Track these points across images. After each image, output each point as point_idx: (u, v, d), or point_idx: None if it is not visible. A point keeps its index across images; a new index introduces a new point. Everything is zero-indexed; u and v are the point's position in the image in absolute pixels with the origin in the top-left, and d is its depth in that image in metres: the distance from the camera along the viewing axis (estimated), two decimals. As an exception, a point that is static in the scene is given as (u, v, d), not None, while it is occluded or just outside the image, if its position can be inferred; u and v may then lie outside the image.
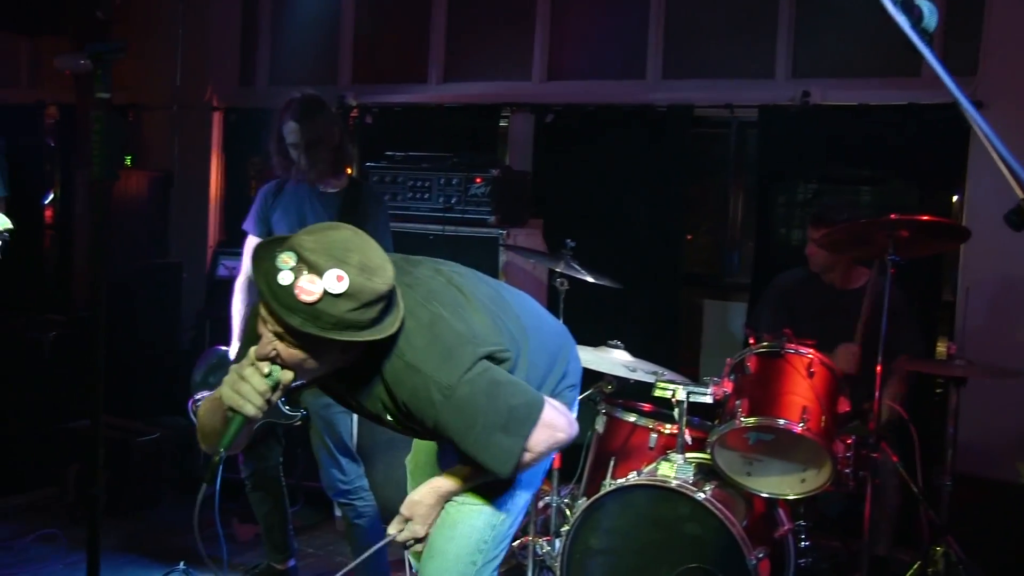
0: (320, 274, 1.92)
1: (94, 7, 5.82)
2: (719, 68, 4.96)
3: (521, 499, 2.38)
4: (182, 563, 3.80)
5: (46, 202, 6.53)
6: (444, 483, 2.30)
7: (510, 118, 5.13)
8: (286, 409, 3.51)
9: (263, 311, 2.00)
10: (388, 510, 3.75)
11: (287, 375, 2.03)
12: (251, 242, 3.69)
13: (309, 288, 1.92)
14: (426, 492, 2.30)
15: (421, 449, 2.75)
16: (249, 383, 2.01)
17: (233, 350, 3.54)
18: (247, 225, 3.71)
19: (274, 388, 2.02)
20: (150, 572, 3.99)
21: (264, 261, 1.98)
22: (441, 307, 2.17)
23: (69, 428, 4.78)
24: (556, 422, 2.21)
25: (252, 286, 3.66)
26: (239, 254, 4.29)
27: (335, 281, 1.93)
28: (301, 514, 4.42)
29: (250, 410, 2.01)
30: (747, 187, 5.01)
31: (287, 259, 1.94)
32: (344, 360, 2.09)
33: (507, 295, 2.44)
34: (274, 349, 1.99)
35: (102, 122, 2.56)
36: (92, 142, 2.44)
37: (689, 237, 5.14)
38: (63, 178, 6.37)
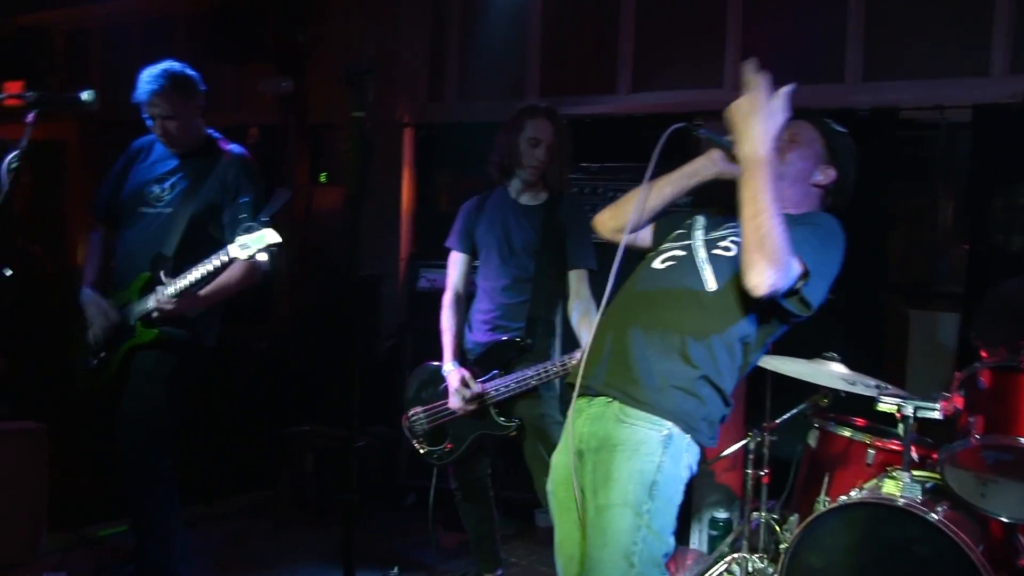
0: None
1: (293, 33, 6.09)
2: (926, 67, 4.74)
3: (663, 491, 2.28)
4: (396, 568, 3.89)
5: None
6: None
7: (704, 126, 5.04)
8: (500, 420, 3.55)
9: None
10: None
11: None
12: (455, 258, 3.77)
13: None
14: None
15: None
16: None
17: (447, 366, 3.61)
18: (451, 242, 3.77)
19: None
20: (363, 577, 4.13)
21: None
22: None
23: (282, 434, 4.99)
24: None
25: (460, 303, 3.74)
26: (437, 266, 4.39)
27: None
28: (502, 524, 4.46)
29: None
30: (958, 191, 4.77)
31: None
32: None
33: None
34: None
35: (357, 140, 2.64)
36: (348, 159, 2.51)
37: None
38: (266, 195, 6.66)
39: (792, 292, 2.25)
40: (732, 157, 2.35)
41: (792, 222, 2.24)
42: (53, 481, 4.09)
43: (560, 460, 2.49)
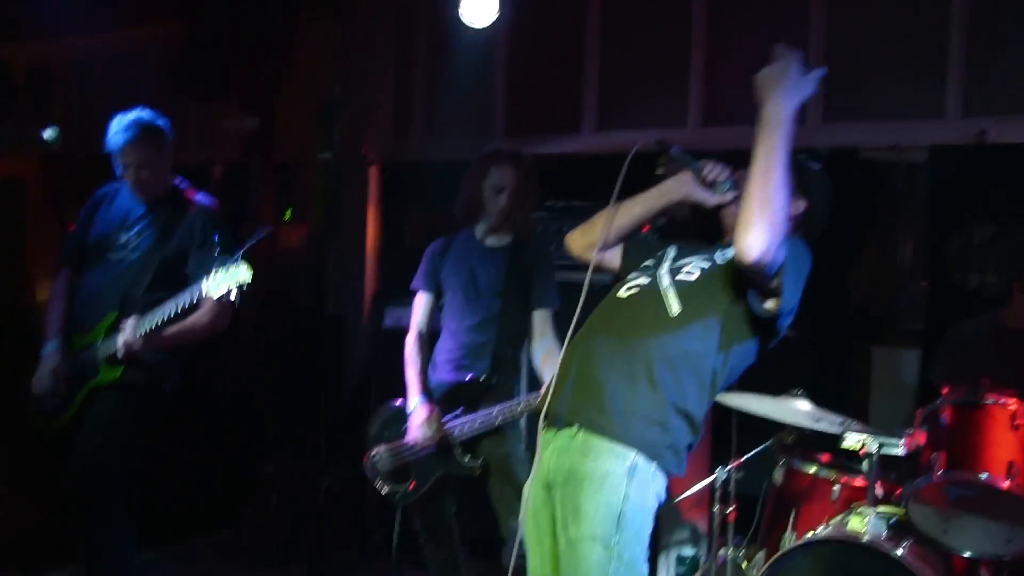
0: None
1: (259, 71, 6.09)
2: (885, 108, 4.83)
3: (632, 522, 2.28)
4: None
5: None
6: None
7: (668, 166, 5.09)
8: (465, 459, 3.53)
9: None
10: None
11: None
12: (420, 299, 3.78)
13: None
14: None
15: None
16: None
17: (412, 401, 3.59)
18: (416, 283, 3.79)
19: None
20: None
21: None
22: None
23: (246, 474, 4.93)
24: None
25: (423, 342, 3.73)
26: (403, 304, 4.38)
27: None
28: (467, 561, 4.42)
29: None
30: (916, 230, 4.85)
31: None
32: None
33: None
34: None
35: (323, 180, 2.65)
36: (314, 199, 2.53)
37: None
38: (232, 233, 6.62)
39: (769, 290, 2.28)
40: (702, 180, 2.44)
41: None
42: (3, 523, 4.00)
43: (529, 492, 2.49)
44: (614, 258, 2.70)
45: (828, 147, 4.76)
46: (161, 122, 3.64)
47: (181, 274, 3.55)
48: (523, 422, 3.59)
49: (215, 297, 3.21)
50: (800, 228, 2.52)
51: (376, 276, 6.14)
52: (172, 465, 4.82)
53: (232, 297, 3.22)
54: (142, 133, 3.54)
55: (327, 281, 6.25)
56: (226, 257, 3.42)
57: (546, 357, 3.51)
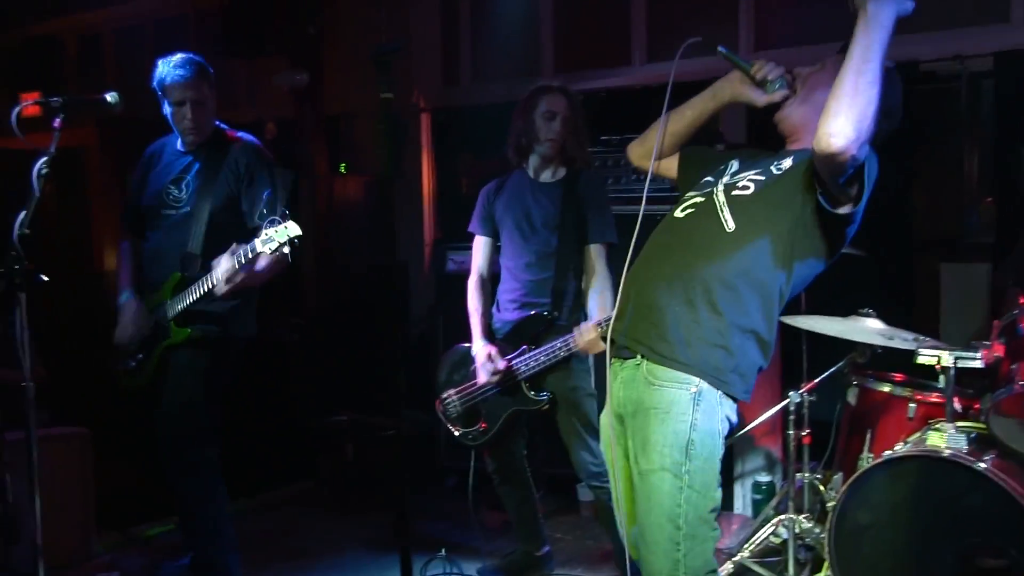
0: None
1: (305, 24, 6.09)
2: (945, 17, 4.68)
3: (701, 449, 2.28)
4: (443, 550, 3.92)
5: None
6: None
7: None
8: (532, 395, 3.57)
9: None
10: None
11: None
12: (478, 242, 3.80)
13: None
14: None
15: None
16: None
17: (476, 347, 3.62)
18: (473, 226, 3.81)
19: None
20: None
21: None
22: None
23: (320, 424, 5.02)
24: None
25: (485, 285, 3.77)
26: (463, 248, 4.40)
27: None
28: (545, 500, 4.48)
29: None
30: (983, 142, 4.73)
31: None
32: None
33: None
34: None
35: (386, 122, 2.65)
36: (376, 142, 2.53)
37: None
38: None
39: (842, 193, 2.20)
40: (751, 80, 2.37)
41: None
42: (99, 484, 4.14)
43: (604, 421, 2.53)
44: (671, 166, 2.66)
45: (889, 62, 4.62)
46: (202, 59, 3.64)
47: (236, 218, 3.57)
48: (591, 356, 3.59)
49: (267, 253, 3.23)
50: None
51: (434, 222, 6.16)
52: (248, 419, 4.93)
53: (285, 251, 3.23)
54: (199, 69, 3.56)
55: (389, 229, 6.30)
56: (275, 204, 3.45)
57: (598, 294, 3.52)
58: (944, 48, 4.53)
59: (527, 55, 5.92)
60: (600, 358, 3.25)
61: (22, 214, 2.79)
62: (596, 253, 3.59)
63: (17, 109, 3.06)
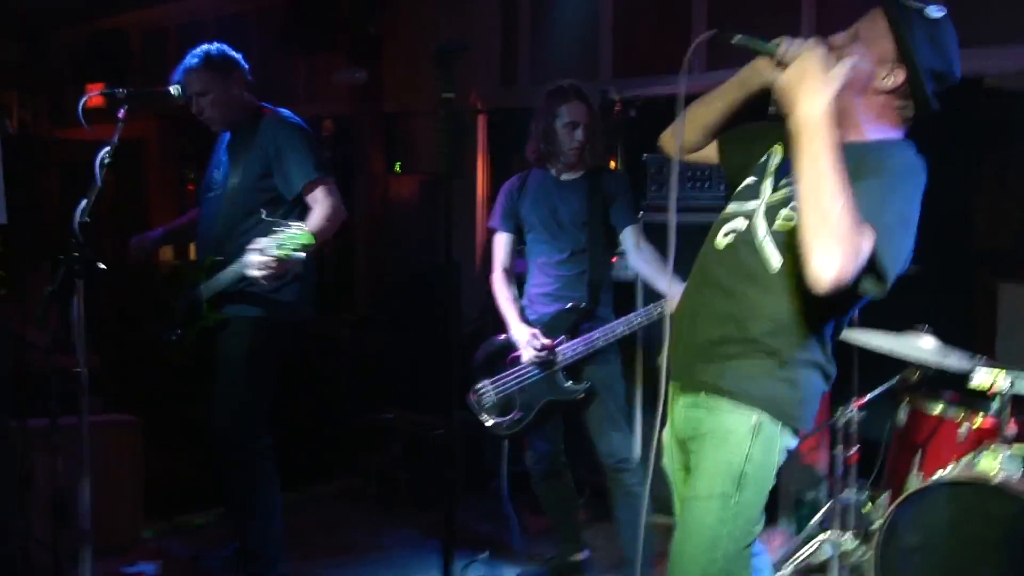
0: None
1: (366, 23, 6.15)
2: (1009, 32, 4.59)
3: (754, 482, 2.22)
4: (486, 552, 3.93)
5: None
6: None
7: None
8: (568, 384, 3.58)
9: None
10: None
11: None
12: (500, 238, 3.84)
13: None
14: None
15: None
16: None
17: (517, 331, 3.65)
18: (495, 223, 3.86)
19: None
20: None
21: None
22: None
23: (369, 421, 5.05)
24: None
25: (510, 278, 3.81)
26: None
27: None
28: (588, 507, 4.47)
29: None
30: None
31: None
32: None
33: None
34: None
35: (448, 121, 2.67)
36: (437, 141, 2.55)
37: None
38: (341, 186, 6.73)
39: (864, 271, 1.96)
40: (778, 63, 2.07)
41: (856, 164, 1.97)
42: (148, 472, 4.21)
43: (664, 437, 2.49)
44: (711, 153, 2.53)
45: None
46: (227, 51, 3.66)
47: (270, 194, 3.56)
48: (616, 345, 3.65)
49: (268, 258, 3.19)
50: (908, 106, 2.17)
51: (486, 223, 6.18)
52: (298, 412, 4.98)
53: (296, 256, 3.20)
54: (204, 60, 3.59)
55: (445, 227, 6.33)
56: (305, 160, 3.47)
57: (649, 265, 3.60)
58: (1008, 64, 4.44)
59: (585, 58, 5.92)
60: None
61: (83, 202, 2.85)
62: (633, 233, 3.66)
63: (83, 100, 3.13)
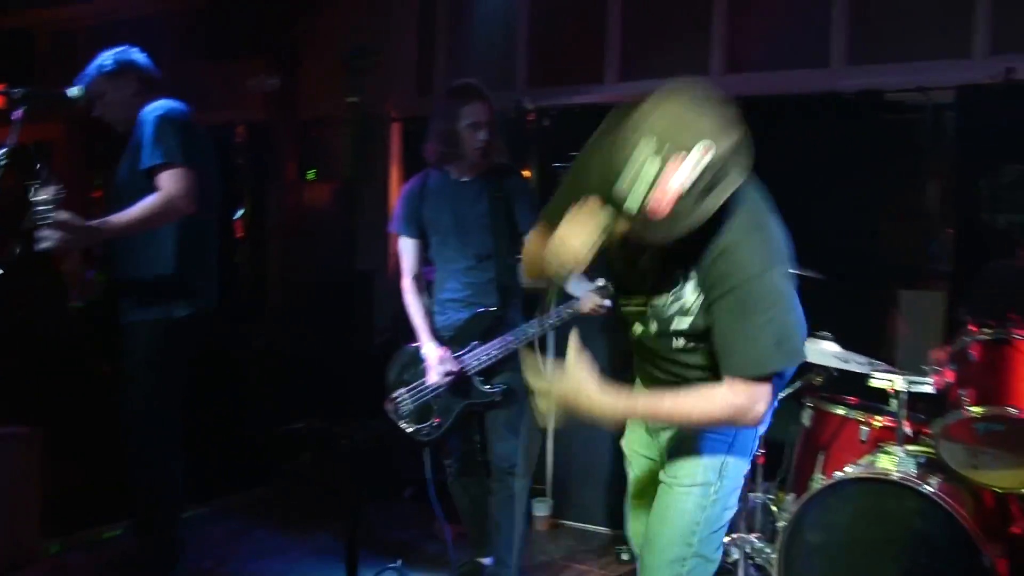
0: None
1: (282, 29, 6.10)
2: (911, 50, 4.77)
3: (734, 470, 2.33)
4: (399, 560, 3.91)
5: (236, 217, 6.86)
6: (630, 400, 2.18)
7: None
8: (485, 388, 3.61)
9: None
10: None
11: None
12: (406, 244, 3.80)
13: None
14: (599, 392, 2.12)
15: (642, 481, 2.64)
16: None
17: (427, 348, 3.66)
18: (397, 228, 3.81)
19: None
20: (363, 570, 4.13)
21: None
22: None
23: (279, 431, 4.99)
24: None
25: (419, 284, 3.80)
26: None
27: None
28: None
29: None
30: (944, 172, 4.81)
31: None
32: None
33: None
34: None
35: (354, 125, 2.66)
36: (345, 146, 2.54)
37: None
38: (254, 193, 6.66)
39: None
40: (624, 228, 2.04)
41: (713, 278, 2.07)
42: (52, 485, 4.09)
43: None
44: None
45: (854, 90, 4.72)
46: (124, 52, 3.62)
47: (148, 187, 3.42)
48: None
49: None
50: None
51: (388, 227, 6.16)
52: (207, 424, 4.88)
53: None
54: (98, 64, 3.57)
55: (356, 236, 6.29)
56: (155, 141, 3.36)
57: None
58: (909, 80, 4.61)
59: (501, 67, 5.95)
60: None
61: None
62: None
63: (-21, 100, 3.05)
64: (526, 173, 5.22)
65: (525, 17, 5.89)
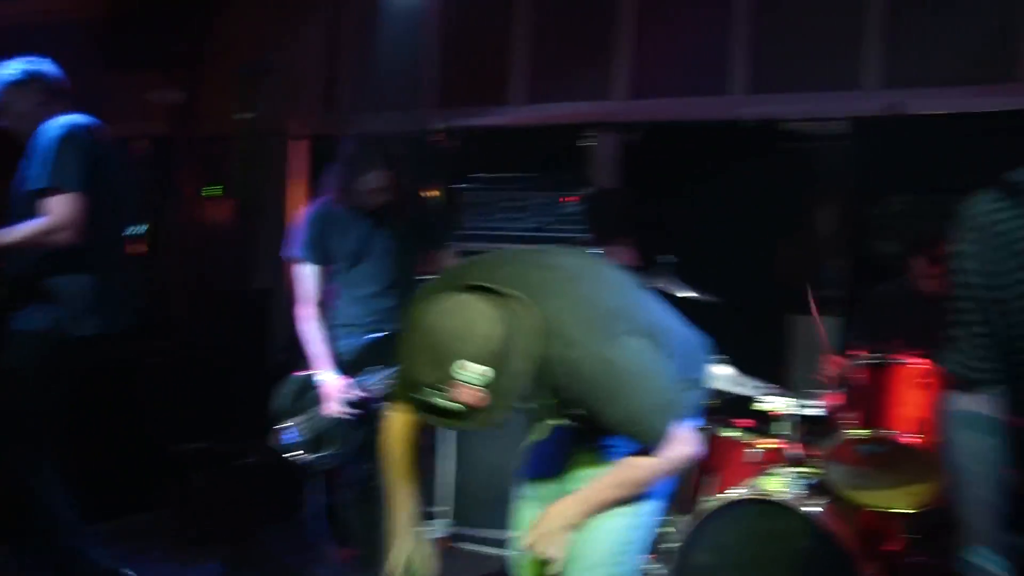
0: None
1: (185, 42, 5.99)
2: (807, 81, 4.90)
3: (657, 503, 2.35)
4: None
5: (137, 233, 6.69)
6: (580, 497, 2.24)
7: (596, 137, 5.15)
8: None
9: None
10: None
11: None
12: (306, 270, 3.69)
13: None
14: (560, 507, 2.23)
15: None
16: None
17: (328, 377, 3.59)
18: (300, 251, 3.70)
19: None
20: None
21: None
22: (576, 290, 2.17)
23: (172, 452, 4.86)
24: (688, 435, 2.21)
25: (321, 312, 3.70)
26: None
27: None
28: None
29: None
30: (838, 200, 4.94)
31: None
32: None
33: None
34: None
35: (245, 143, 2.60)
36: (235, 163, 2.49)
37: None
38: (154, 209, 6.50)
39: None
40: None
41: (570, 391, 2.13)
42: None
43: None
44: None
45: (753, 118, 4.83)
46: (27, 62, 3.56)
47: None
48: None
49: None
50: None
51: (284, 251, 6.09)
52: (92, 445, 4.73)
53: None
54: (1, 77, 3.51)
55: (254, 255, 6.19)
56: (45, 167, 3.31)
57: None
58: (804, 110, 4.74)
59: (409, 87, 5.93)
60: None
61: None
62: (443, 257, 3.67)
63: None
64: (433, 194, 5.20)
65: (434, 35, 5.90)
